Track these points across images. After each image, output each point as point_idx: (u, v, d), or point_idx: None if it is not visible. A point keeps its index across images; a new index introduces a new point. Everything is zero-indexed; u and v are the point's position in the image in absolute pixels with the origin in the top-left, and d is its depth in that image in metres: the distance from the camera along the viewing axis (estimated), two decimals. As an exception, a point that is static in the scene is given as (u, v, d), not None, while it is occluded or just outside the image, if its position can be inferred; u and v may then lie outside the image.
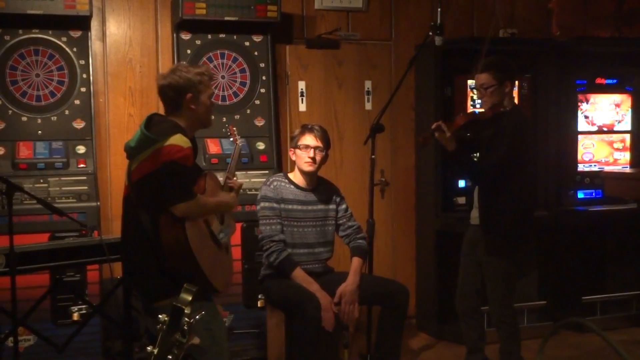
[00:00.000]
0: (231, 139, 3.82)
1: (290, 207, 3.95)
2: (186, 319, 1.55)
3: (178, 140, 3.03)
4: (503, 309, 4.00)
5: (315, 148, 3.92)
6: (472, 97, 4.98)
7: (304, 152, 3.93)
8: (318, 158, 3.95)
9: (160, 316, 1.54)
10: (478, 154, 4.22)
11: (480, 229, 3.96)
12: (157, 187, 3.00)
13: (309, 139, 3.93)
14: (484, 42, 3.90)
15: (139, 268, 3.17)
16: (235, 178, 3.62)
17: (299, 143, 3.95)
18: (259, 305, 4.43)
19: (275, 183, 3.98)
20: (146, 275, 3.13)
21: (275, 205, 3.92)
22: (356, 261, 3.98)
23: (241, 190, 4.33)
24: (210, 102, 3.23)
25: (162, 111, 4.05)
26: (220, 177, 3.51)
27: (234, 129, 3.88)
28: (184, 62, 4.14)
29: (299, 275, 3.84)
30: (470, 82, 4.81)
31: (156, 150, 3.01)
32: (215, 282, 3.15)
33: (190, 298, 1.54)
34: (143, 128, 3.07)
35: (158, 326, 1.55)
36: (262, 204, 3.95)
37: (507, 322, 4.01)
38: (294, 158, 4.03)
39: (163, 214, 3.01)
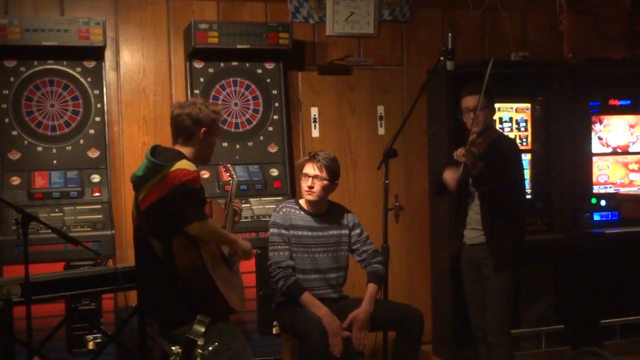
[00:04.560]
0: (227, 174, 3.86)
1: (300, 233, 3.94)
2: (199, 350, 1.54)
3: (185, 164, 3.11)
4: (504, 326, 4.03)
5: (313, 177, 3.90)
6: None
7: (304, 182, 3.94)
8: (317, 188, 3.91)
9: (173, 348, 1.54)
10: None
11: (488, 247, 3.99)
12: (169, 211, 3.05)
13: (308, 168, 3.92)
14: (487, 65, 3.91)
15: (155, 296, 3.18)
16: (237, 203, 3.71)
17: (301, 171, 3.97)
18: (274, 332, 4.42)
19: (284, 209, 3.98)
20: (163, 303, 3.14)
21: (283, 231, 3.92)
22: (371, 287, 3.96)
23: (254, 217, 4.39)
24: (215, 142, 3.38)
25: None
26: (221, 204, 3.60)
27: (229, 165, 3.91)
28: (200, 97, 4.21)
29: (307, 299, 3.82)
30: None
31: (164, 176, 3.06)
32: (232, 302, 3.18)
33: (203, 329, 1.54)
34: (149, 156, 3.12)
35: (171, 358, 1.54)
36: (271, 230, 3.96)
37: (507, 339, 4.04)
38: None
39: (176, 239, 3.05)
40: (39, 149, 4.41)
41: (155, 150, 3.21)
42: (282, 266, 3.87)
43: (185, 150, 3.23)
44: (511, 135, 5.10)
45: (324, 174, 3.91)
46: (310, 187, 3.91)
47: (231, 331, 3.20)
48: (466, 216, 4.16)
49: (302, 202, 4.04)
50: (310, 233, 3.96)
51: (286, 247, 3.91)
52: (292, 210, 3.99)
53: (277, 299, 4.01)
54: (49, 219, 4.06)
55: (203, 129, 3.24)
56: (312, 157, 3.94)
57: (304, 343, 3.69)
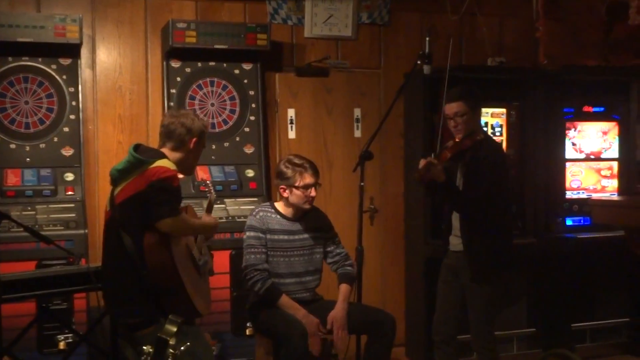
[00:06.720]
0: (206, 190, 3.87)
1: (276, 237, 3.94)
2: (171, 350, 1.54)
3: (165, 162, 3.14)
4: (486, 335, 4.01)
5: (315, 185, 3.93)
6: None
7: (306, 192, 3.91)
8: (315, 195, 3.96)
9: (144, 347, 1.53)
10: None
11: (465, 256, 3.95)
12: (143, 205, 3.07)
13: (308, 178, 3.90)
14: (445, 71, 3.92)
15: (120, 293, 3.16)
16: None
17: (299, 184, 3.89)
18: (247, 333, 4.41)
19: (261, 213, 3.97)
20: (128, 301, 3.12)
21: (261, 235, 3.91)
22: (345, 288, 3.98)
23: (229, 218, 4.38)
24: (200, 154, 3.45)
25: (151, 138, 4.02)
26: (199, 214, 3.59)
27: (209, 182, 3.91)
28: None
29: (285, 302, 3.83)
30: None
31: (143, 171, 3.09)
32: (199, 305, 3.17)
33: (175, 329, 1.53)
34: (132, 152, 3.14)
35: (142, 357, 1.53)
36: (247, 234, 3.94)
37: (490, 348, 4.02)
38: (285, 195, 3.95)
39: (147, 235, 3.05)
40: (12, 146, 4.37)
41: (138, 148, 3.23)
42: (258, 269, 3.86)
43: (172, 156, 3.27)
44: (486, 139, 5.13)
45: (319, 180, 3.96)
46: (313, 197, 3.93)
47: (195, 335, 3.20)
48: (451, 222, 4.09)
49: (277, 205, 4.03)
50: (286, 237, 3.96)
51: (263, 250, 3.90)
52: (269, 214, 3.98)
53: (251, 300, 4.00)
54: (21, 217, 4.02)
55: (194, 139, 3.32)
56: (305, 168, 3.90)
57: (284, 344, 3.68)
